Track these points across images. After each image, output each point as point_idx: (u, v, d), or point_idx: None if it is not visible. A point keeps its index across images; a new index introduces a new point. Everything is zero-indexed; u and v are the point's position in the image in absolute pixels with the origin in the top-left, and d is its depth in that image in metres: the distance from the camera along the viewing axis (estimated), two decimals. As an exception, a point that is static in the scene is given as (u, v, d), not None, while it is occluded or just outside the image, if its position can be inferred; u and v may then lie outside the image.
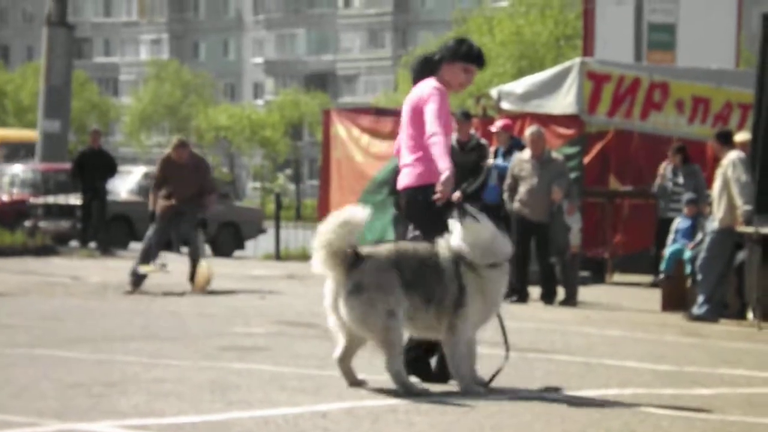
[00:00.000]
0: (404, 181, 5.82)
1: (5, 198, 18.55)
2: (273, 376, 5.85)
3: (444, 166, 5.62)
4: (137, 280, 11.03)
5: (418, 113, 5.79)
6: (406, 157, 5.83)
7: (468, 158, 11.59)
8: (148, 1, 66.74)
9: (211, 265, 11.21)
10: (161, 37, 67.30)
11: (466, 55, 5.84)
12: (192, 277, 11.01)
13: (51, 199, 18.67)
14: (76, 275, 12.63)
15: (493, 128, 12.07)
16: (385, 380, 5.92)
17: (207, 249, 11.41)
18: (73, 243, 18.43)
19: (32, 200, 18.91)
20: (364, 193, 15.53)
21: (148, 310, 9.25)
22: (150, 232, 11.31)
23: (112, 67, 68.05)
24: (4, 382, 5.46)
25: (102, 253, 16.42)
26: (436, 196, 5.61)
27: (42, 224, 18.15)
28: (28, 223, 18.05)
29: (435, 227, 5.63)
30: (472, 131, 12.01)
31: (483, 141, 12.09)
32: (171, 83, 58.14)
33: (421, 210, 5.74)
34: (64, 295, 10.63)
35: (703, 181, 12.86)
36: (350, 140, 16.00)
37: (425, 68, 5.86)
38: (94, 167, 17.03)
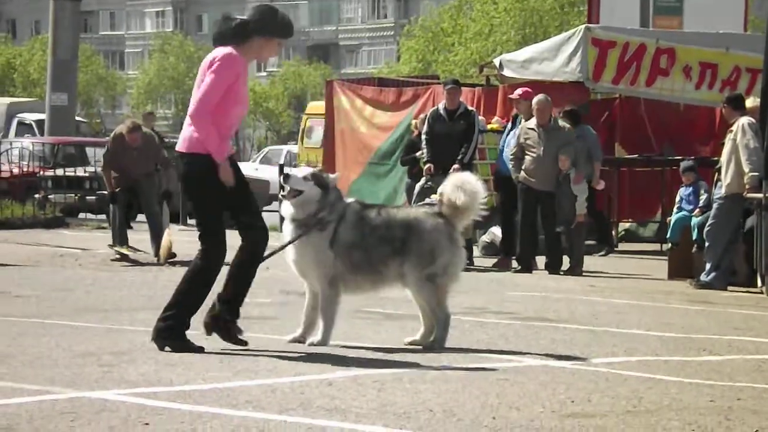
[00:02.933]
0: (183, 145, 5.70)
1: (15, 171, 18.59)
2: (279, 346, 5.89)
3: (217, 155, 5.56)
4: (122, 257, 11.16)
5: (207, 69, 5.66)
6: (187, 119, 5.75)
7: (457, 126, 11.53)
8: (153, -26, 66.50)
9: (171, 234, 11.22)
10: (165, 9, 67.02)
11: (284, 31, 5.81)
12: (157, 250, 11.06)
13: (60, 172, 18.73)
14: (85, 247, 12.70)
15: (513, 95, 11.98)
16: (390, 348, 5.97)
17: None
18: (82, 215, 18.53)
19: (42, 173, 18.96)
20: (369, 164, 15.52)
21: (155, 281, 9.30)
22: (112, 212, 11.44)
23: (117, 40, 67.86)
24: (17, 351, 5.52)
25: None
26: (229, 184, 5.57)
27: (51, 196, 18.22)
28: (38, 196, 18.13)
29: (206, 196, 5.62)
30: (461, 99, 11.96)
31: (471, 108, 12.03)
32: (175, 56, 57.97)
33: (193, 178, 5.67)
34: (74, 266, 10.69)
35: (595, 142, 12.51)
36: (353, 111, 15.97)
37: (235, 33, 5.67)
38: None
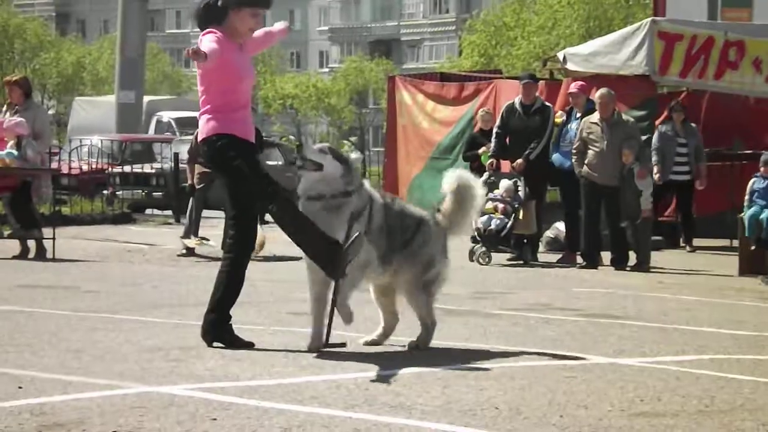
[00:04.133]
0: (201, 135, 5.72)
1: (84, 167, 18.92)
2: (348, 343, 5.89)
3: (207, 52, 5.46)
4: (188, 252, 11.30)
5: (201, 69, 5.65)
6: (201, 111, 5.73)
7: (532, 121, 11.49)
8: (217, -28, 67.24)
9: (263, 232, 11.23)
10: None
11: (252, 0, 5.65)
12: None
13: (128, 169, 19.01)
14: (152, 242, 12.87)
15: (573, 88, 11.87)
16: (454, 345, 5.93)
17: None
18: (148, 211, 18.80)
19: (110, 170, 19.27)
20: (430, 159, 15.50)
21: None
22: (190, 206, 11.51)
23: (183, 38, 68.60)
24: (87, 346, 5.60)
25: (177, 220, 16.68)
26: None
27: (119, 193, 18.51)
28: (106, 192, 18.43)
29: (233, 171, 5.56)
30: (537, 94, 11.89)
31: (547, 103, 11.95)
32: (238, 53, 58.47)
33: (219, 157, 5.63)
34: (142, 261, 10.84)
35: (701, 141, 13.30)
36: (415, 106, 15.95)
37: (209, 16, 5.64)
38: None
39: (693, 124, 13.52)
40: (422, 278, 5.74)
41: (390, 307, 5.85)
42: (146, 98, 25.71)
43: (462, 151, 14.32)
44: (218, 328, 5.63)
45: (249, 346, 5.59)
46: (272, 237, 11.44)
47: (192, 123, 19.64)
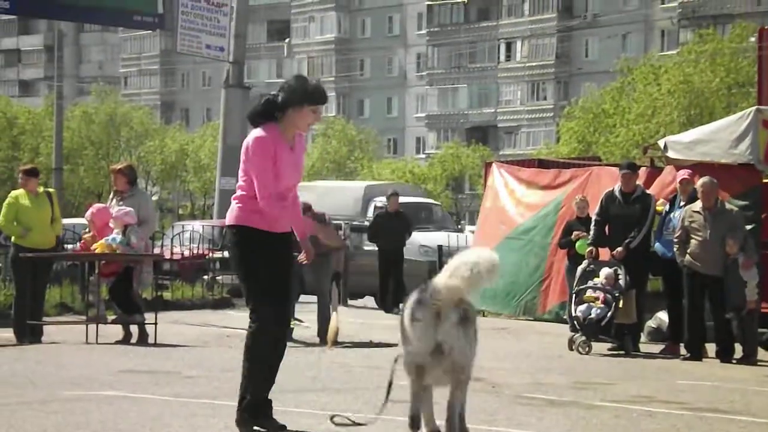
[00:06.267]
0: (229, 219, 5.91)
1: (186, 253, 19.29)
2: (442, 430, 5.81)
3: (299, 229, 5.80)
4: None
5: (245, 154, 5.80)
6: (234, 196, 5.92)
7: (632, 209, 11.37)
8: (318, 62, 68.76)
9: (338, 318, 11.23)
10: (329, 95, 69.20)
11: (313, 97, 5.76)
12: (322, 331, 11.10)
13: (227, 254, 19.26)
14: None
15: (683, 175, 11.70)
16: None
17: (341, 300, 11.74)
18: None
19: (210, 255, 19.58)
20: (506, 238, 15.43)
21: (318, 362, 9.39)
22: None
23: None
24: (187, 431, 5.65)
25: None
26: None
27: (219, 278, 18.77)
28: (206, 277, 18.70)
29: (242, 264, 5.74)
30: (638, 182, 11.78)
31: (647, 191, 11.81)
32: (337, 140, 59.54)
33: (232, 247, 5.84)
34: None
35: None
36: (505, 190, 15.97)
37: (267, 112, 5.77)
38: (392, 229, 17.22)
39: None
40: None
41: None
42: (364, 183, 25.83)
43: (543, 235, 14.24)
44: (254, 414, 5.72)
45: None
46: (371, 323, 11.50)
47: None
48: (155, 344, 10.72)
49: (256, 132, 5.78)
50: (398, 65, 68.23)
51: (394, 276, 17.05)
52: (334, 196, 21.55)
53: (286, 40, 69.63)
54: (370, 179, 57.12)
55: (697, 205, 11.04)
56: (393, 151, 67.19)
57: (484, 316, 15.32)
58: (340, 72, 68.82)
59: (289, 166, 5.80)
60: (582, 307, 11.17)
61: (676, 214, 11.43)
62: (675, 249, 11.13)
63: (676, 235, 11.09)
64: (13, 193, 11.47)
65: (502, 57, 63.96)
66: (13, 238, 11.32)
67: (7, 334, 11.15)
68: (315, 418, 5.81)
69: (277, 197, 5.77)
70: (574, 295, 11.48)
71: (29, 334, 10.89)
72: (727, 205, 11.18)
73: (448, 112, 66.07)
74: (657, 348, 11.54)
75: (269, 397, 5.83)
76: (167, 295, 16.76)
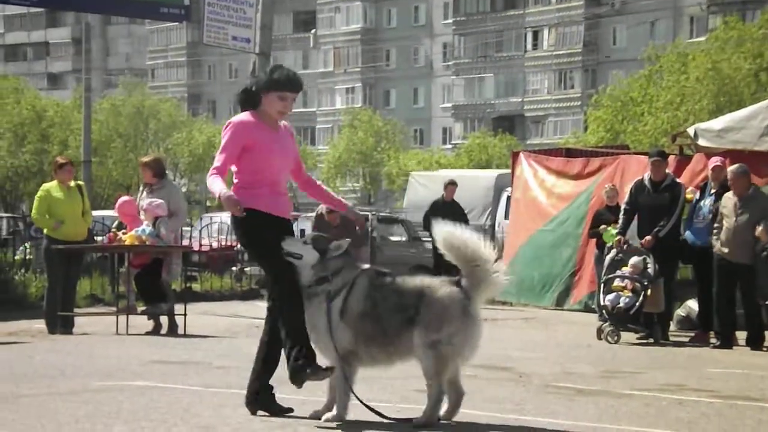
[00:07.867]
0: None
1: (214, 244, 19.39)
2: (469, 419, 5.82)
3: (218, 192, 5.76)
4: None
5: None
6: (232, 186, 5.95)
7: (661, 198, 11.29)
8: (344, 53, 68.80)
9: None
10: (355, 86, 69.16)
11: (278, 83, 5.88)
12: None
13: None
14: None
15: (713, 162, 11.61)
16: (585, 425, 5.79)
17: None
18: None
19: (238, 246, 19.66)
20: (538, 231, 15.39)
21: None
22: None
23: (309, 116, 70.43)
24: (218, 422, 5.69)
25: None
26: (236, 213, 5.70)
27: (247, 269, 18.86)
28: (234, 269, 18.80)
29: (256, 245, 5.83)
30: (668, 171, 11.70)
31: (677, 180, 11.73)
32: (364, 131, 59.56)
33: (240, 232, 5.88)
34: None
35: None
36: (535, 180, 15.92)
37: (247, 100, 5.96)
38: (447, 219, 17.02)
39: None
40: (429, 338, 5.51)
41: (450, 379, 5.67)
42: (496, 172, 25.04)
43: (575, 225, 14.17)
44: (261, 396, 5.84)
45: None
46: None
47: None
48: (185, 335, 10.79)
49: (234, 117, 5.98)
50: (424, 55, 68.08)
51: (444, 266, 17.01)
52: (466, 186, 20.32)
53: (312, 31, 69.65)
54: (396, 170, 57.20)
55: (731, 192, 10.95)
56: (419, 142, 67.12)
57: (511, 306, 15.30)
58: (366, 62, 68.80)
59: (276, 146, 5.90)
60: (610, 296, 11.13)
61: (707, 202, 11.34)
62: (713, 237, 11.02)
63: (716, 223, 10.95)
64: (45, 186, 11.57)
65: (529, 46, 63.67)
66: (45, 231, 11.42)
67: (39, 325, 11.27)
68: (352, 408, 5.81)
69: (270, 184, 5.86)
70: (602, 284, 11.44)
71: (60, 325, 11.00)
72: (762, 191, 11.07)
73: (474, 101, 65.90)
74: (686, 336, 11.48)
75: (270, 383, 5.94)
76: (196, 286, 16.87)
